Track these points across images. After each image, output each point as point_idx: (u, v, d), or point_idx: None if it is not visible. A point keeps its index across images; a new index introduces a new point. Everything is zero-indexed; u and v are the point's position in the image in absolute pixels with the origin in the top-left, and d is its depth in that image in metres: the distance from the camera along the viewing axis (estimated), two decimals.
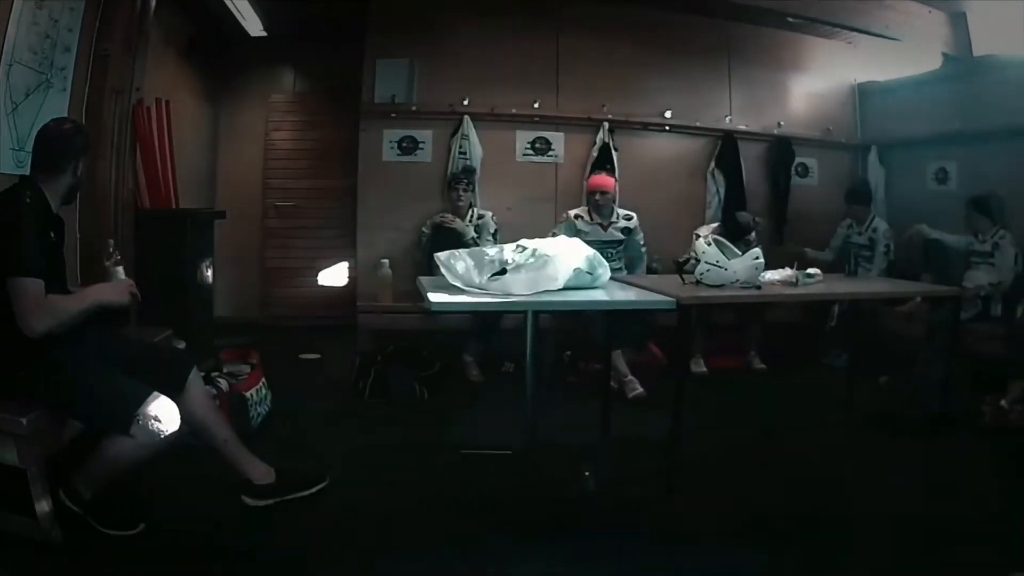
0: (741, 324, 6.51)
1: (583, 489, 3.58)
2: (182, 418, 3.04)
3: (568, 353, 5.97)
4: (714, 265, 3.84)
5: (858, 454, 4.48)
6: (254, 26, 7.52)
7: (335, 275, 8.20)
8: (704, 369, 6.28)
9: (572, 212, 5.99)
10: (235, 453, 3.39)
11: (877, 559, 3.13)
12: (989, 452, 4.57)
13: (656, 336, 5.87)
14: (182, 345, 4.76)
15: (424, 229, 6.30)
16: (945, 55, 6.60)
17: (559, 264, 3.43)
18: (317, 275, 8.27)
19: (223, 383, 4.39)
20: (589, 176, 6.37)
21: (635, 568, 3.04)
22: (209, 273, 6.14)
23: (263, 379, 4.78)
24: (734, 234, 5.52)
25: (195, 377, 3.36)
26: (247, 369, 4.77)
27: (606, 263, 3.73)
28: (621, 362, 5.41)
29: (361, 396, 5.39)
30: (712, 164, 7.26)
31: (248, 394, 4.47)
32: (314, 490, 3.49)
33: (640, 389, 5.34)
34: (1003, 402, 5.00)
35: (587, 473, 3.61)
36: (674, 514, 3.54)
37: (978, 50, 6.45)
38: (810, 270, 4.38)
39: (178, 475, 3.42)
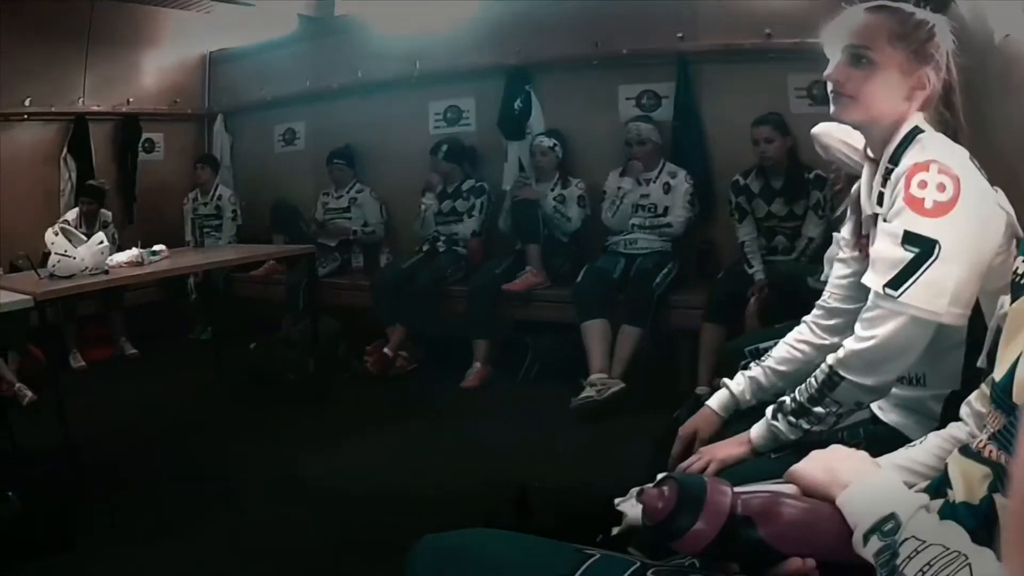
0: (106, 311, 6.01)
1: (10, 510, 3.02)
2: None
3: None
4: (63, 255, 3.61)
5: (243, 422, 4.31)
6: None
7: None
8: (83, 363, 5.69)
9: None
10: None
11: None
12: (382, 398, 4.65)
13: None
14: None
15: None
16: (301, 17, 6.44)
17: None
18: None
19: None
20: None
21: None
22: None
23: None
24: (93, 198, 5.58)
25: None
26: None
27: None
28: (6, 370, 4.81)
29: None
30: (64, 150, 6.46)
31: None
32: None
33: (31, 395, 4.68)
34: (386, 350, 5.01)
35: (9, 493, 3.07)
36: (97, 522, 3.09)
37: (341, 10, 6.42)
38: (155, 247, 4.24)
39: None
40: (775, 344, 2.12)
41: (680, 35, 4.94)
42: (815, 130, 2.63)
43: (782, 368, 1.91)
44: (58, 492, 3.24)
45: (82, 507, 3.16)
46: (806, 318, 1.97)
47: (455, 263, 5.14)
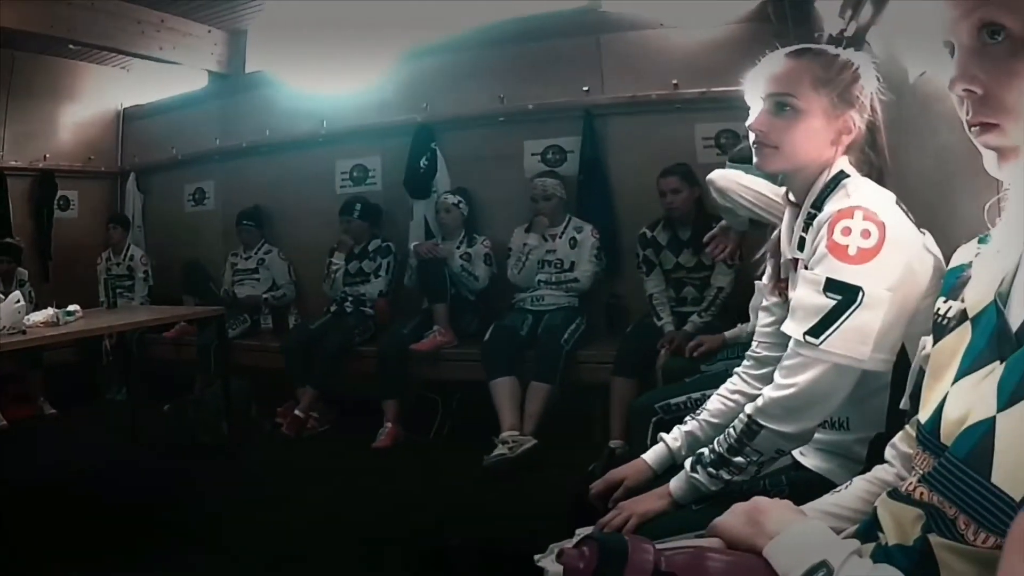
0: (24, 371, 5.83)
1: None
2: None
3: None
4: None
5: (161, 484, 4.15)
6: None
7: None
8: (4, 422, 5.53)
9: None
10: None
11: None
12: (296, 459, 4.53)
13: None
14: None
15: None
16: (211, 73, 6.37)
17: None
18: None
19: None
20: None
21: None
22: None
23: None
24: (13, 258, 5.59)
25: None
26: None
27: None
28: None
29: None
30: None
31: None
32: None
33: None
34: (297, 411, 4.90)
35: None
36: None
37: (252, 67, 6.37)
38: (70, 307, 4.13)
39: None
40: (686, 399, 2.07)
41: (586, 88, 4.96)
42: (712, 175, 2.59)
43: (717, 420, 1.86)
44: None
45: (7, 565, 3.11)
46: (737, 369, 1.93)
47: (363, 323, 5.07)
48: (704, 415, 1.89)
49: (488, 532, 3.20)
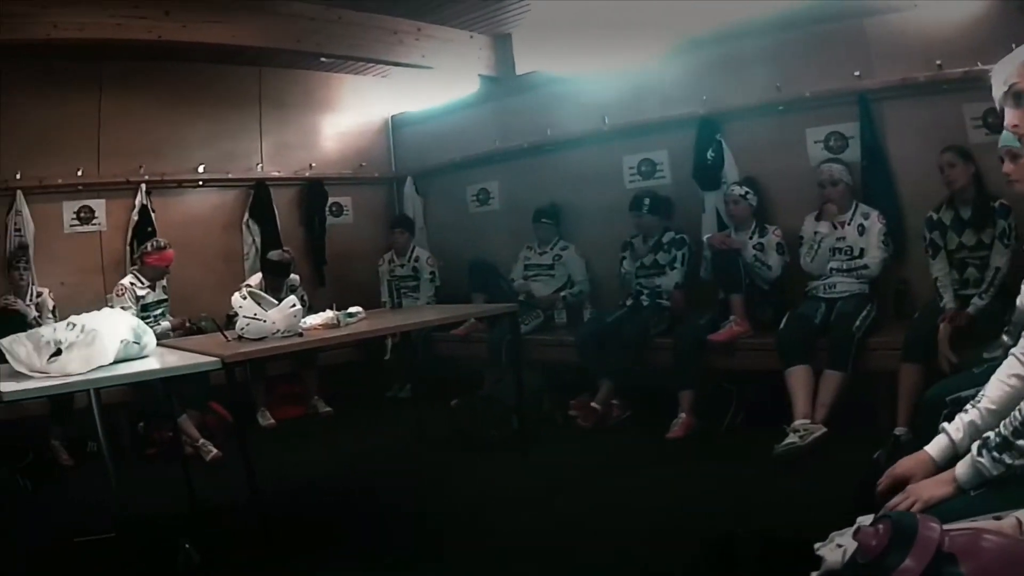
0: (298, 371, 6.29)
1: (188, 563, 3.27)
2: None
3: (142, 425, 5.45)
4: (252, 318, 3.66)
5: (445, 478, 4.48)
6: None
7: None
8: (272, 421, 6.04)
9: (126, 280, 5.65)
10: None
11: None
12: (587, 451, 4.71)
13: (217, 394, 5.49)
14: None
15: None
16: (483, 77, 6.68)
17: (106, 338, 3.19)
18: None
19: None
20: (153, 251, 5.72)
21: None
22: None
23: None
24: (275, 274, 5.78)
25: None
26: None
27: (151, 331, 3.58)
28: (189, 426, 5.18)
29: None
30: (246, 215, 6.91)
31: None
32: None
33: (215, 451, 5.07)
34: (593, 403, 5.12)
35: (187, 545, 3.30)
36: None
37: (521, 69, 6.64)
38: (352, 309, 4.30)
39: None
40: (976, 392, 2.18)
41: (857, 73, 4.95)
42: None
43: (995, 407, 1.86)
44: (241, 546, 3.43)
45: (268, 561, 3.28)
46: (1014, 350, 1.93)
47: (659, 315, 5.24)
48: (984, 402, 1.89)
49: (775, 520, 3.19)
